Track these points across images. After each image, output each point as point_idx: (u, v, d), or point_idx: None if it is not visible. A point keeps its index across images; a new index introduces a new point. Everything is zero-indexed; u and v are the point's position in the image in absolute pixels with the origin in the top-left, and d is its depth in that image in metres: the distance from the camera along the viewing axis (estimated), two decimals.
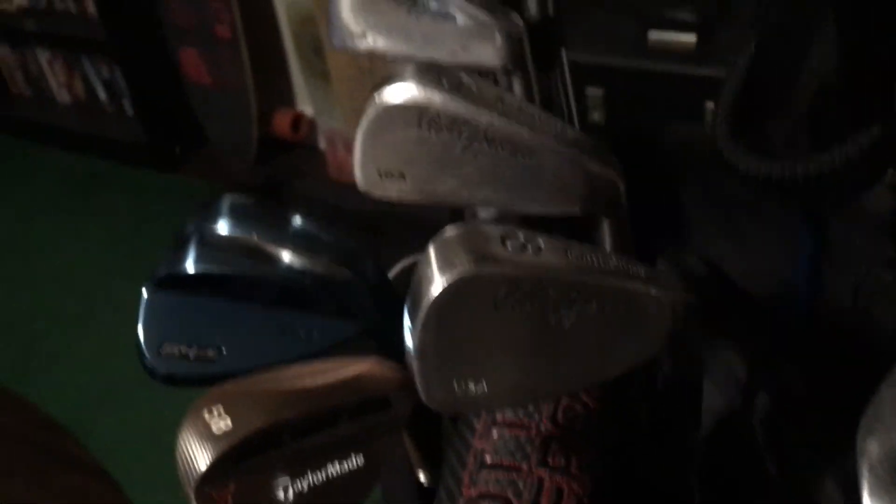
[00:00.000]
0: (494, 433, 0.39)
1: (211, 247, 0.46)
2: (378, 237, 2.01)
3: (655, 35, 1.75)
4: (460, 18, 0.46)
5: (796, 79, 0.37)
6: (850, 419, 0.44)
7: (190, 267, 0.45)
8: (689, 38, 1.76)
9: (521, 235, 0.33)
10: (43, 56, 2.63)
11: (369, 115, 0.37)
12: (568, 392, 0.39)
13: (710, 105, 1.79)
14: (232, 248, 0.46)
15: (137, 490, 1.65)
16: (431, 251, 0.34)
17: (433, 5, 0.47)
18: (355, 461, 0.38)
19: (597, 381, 0.35)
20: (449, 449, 0.41)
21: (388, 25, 0.48)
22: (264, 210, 0.50)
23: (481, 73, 0.51)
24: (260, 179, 2.37)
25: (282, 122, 2.41)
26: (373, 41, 0.49)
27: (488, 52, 0.47)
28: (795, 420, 0.50)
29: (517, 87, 0.48)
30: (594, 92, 1.82)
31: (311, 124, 2.44)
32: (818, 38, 0.36)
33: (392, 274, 1.98)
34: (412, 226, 2.12)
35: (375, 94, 0.37)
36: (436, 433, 0.45)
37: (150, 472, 1.73)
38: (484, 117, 0.35)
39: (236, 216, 0.48)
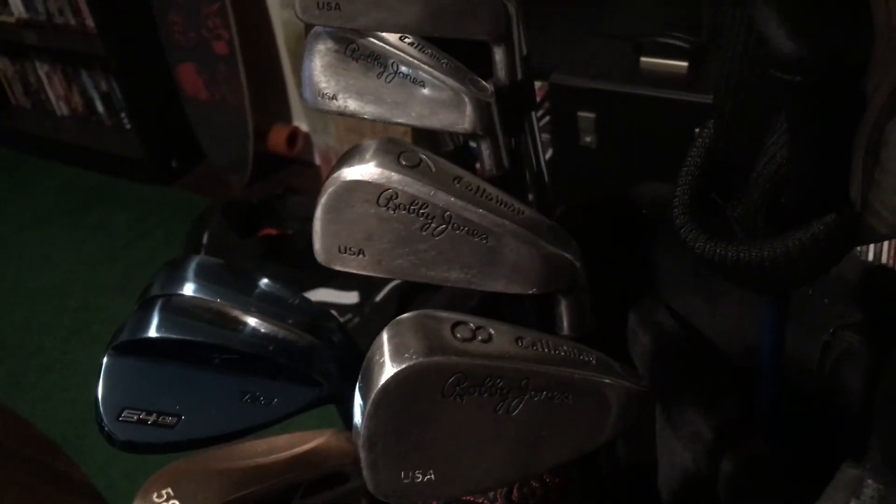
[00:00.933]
0: None
1: (174, 311, 0.46)
2: None
3: (648, 61, 1.76)
4: (429, 85, 0.47)
5: (752, 164, 0.37)
6: (816, 486, 0.44)
7: (152, 332, 0.45)
8: (681, 64, 1.77)
9: (472, 323, 0.34)
10: (42, 69, 2.64)
11: (329, 190, 0.37)
12: (519, 479, 0.39)
13: (697, 132, 1.79)
14: (195, 312, 0.46)
15: None
16: (385, 337, 0.35)
17: (403, 70, 0.47)
18: None
19: (548, 468, 0.35)
20: None
21: (358, 89, 0.48)
22: (230, 273, 0.50)
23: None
24: (256, 194, 2.38)
25: (278, 137, 2.42)
26: (343, 103, 0.49)
27: (457, 119, 0.47)
28: (760, 485, 0.50)
29: (486, 151, 0.48)
30: (586, 115, 1.83)
31: (307, 140, 2.45)
32: (773, 126, 0.36)
33: (382, 295, 1.97)
34: None
35: (336, 171, 0.37)
36: None
37: (138, 490, 1.73)
38: (441, 198, 0.36)
39: (201, 279, 0.48)
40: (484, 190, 0.38)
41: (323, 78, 0.50)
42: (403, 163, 0.37)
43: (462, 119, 0.47)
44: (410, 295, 1.85)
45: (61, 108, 2.72)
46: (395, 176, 0.36)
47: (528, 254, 0.37)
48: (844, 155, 0.34)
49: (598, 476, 0.41)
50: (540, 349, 0.34)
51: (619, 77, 1.74)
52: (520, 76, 0.49)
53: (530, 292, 0.37)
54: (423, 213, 0.37)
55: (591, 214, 0.56)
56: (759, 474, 0.49)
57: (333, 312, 1.83)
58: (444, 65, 0.48)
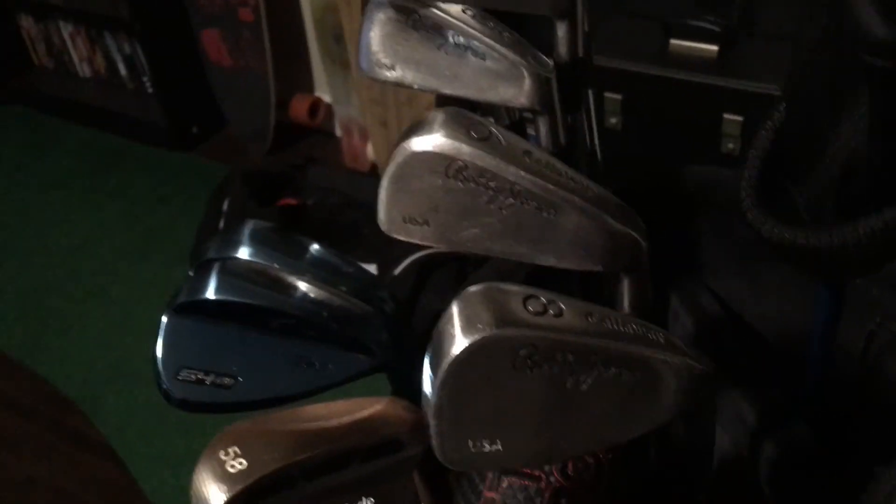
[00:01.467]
0: (504, 483, 0.40)
1: (231, 275, 0.46)
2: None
3: (677, 44, 1.74)
4: (490, 57, 0.47)
5: (824, 149, 0.37)
6: (858, 472, 0.44)
7: (210, 294, 0.45)
8: (711, 48, 1.75)
9: (542, 297, 0.34)
10: (66, 29, 2.64)
11: (396, 160, 0.37)
12: (581, 454, 0.39)
13: (727, 117, 1.77)
14: (252, 276, 0.46)
15: (142, 467, 1.67)
16: (455, 309, 0.35)
17: (464, 42, 0.47)
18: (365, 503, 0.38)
19: (611, 444, 0.35)
20: (458, 494, 0.41)
21: (416, 59, 0.48)
22: (284, 238, 0.50)
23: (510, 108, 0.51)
24: (275, 164, 2.37)
25: (299, 107, 2.42)
26: (401, 73, 0.49)
27: (516, 93, 0.47)
28: (802, 469, 0.50)
29: (543, 127, 0.48)
30: (613, 97, 1.82)
31: (329, 111, 2.44)
32: (848, 112, 0.36)
33: (401, 268, 1.97)
34: None
35: (404, 141, 0.37)
36: (446, 477, 0.45)
37: (155, 450, 1.76)
38: (511, 172, 0.36)
39: (257, 243, 0.48)
40: (553, 165, 0.38)
41: (382, 47, 0.50)
42: (473, 135, 0.37)
43: (522, 94, 0.47)
44: (430, 269, 1.85)
45: (84, 70, 2.72)
46: (465, 147, 0.37)
47: (594, 230, 0.37)
48: None
49: (648, 456, 0.42)
50: (610, 325, 0.34)
51: (647, 58, 1.72)
52: (580, 53, 0.49)
53: (596, 269, 0.38)
54: (491, 186, 0.37)
55: (639, 194, 0.56)
56: (800, 459, 0.49)
57: None
58: (505, 38, 0.48)
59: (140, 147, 2.57)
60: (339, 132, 2.41)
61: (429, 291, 1.87)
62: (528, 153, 0.37)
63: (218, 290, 0.45)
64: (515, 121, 0.55)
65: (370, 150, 2.28)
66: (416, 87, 0.50)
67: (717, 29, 1.69)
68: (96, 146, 2.61)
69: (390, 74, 0.50)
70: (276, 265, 0.47)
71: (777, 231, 0.37)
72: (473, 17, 0.48)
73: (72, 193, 2.43)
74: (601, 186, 0.38)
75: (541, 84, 0.47)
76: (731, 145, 1.65)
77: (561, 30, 0.48)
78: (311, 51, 2.39)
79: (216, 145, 2.55)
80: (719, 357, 0.57)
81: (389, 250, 1.94)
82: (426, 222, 0.38)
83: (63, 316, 2.02)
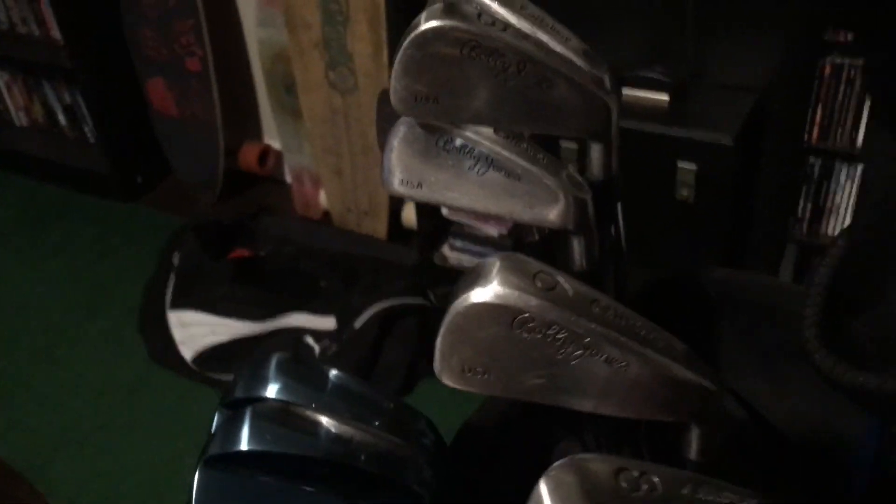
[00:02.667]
0: None
1: (264, 420, 0.44)
2: (351, 281, 1.99)
3: (629, 93, 1.78)
4: (525, 179, 0.46)
5: (885, 287, 0.37)
6: None
7: (244, 445, 0.43)
8: (662, 98, 1.80)
9: (634, 471, 0.32)
10: (1, 78, 2.55)
11: (457, 310, 0.36)
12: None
13: (681, 165, 1.80)
14: (285, 420, 0.44)
15: None
16: (543, 490, 0.32)
17: (497, 164, 0.46)
18: None
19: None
20: None
21: (447, 179, 0.47)
22: (308, 369, 0.48)
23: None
24: (226, 213, 2.33)
25: (249, 155, 2.39)
26: (428, 192, 0.48)
27: (553, 214, 0.46)
28: None
29: (577, 246, 0.48)
30: (568, 146, 1.84)
31: (278, 158, 2.42)
32: None
33: (362, 321, 1.94)
34: (383, 269, 2.09)
35: (464, 291, 0.36)
36: None
37: None
38: (582, 325, 0.35)
39: (283, 378, 0.46)
40: (622, 313, 0.37)
41: (408, 165, 0.49)
42: (539, 285, 0.37)
43: (558, 215, 0.47)
44: (392, 320, 1.83)
45: (21, 119, 2.63)
46: (533, 300, 0.36)
47: (665, 381, 0.36)
48: None
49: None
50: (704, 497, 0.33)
51: None
52: (614, 170, 0.49)
53: (663, 419, 0.37)
54: (559, 339, 0.36)
55: (662, 293, 0.56)
56: None
57: (310, 338, 1.80)
58: (540, 159, 0.47)
59: (83, 198, 2.50)
60: (289, 179, 2.39)
61: (392, 343, 1.86)
62: (595, 302, 0.36)
63: (252, 440, 0.43)
64: (545, 236, 0.54)
65: (323, 198, 2.26)
66: (445, 206, 0.49)
67: (668, 80, 1.73)
68: (37, 198, 2.53)
69: (417, 193, 0.49)
70: (306, 404, 0.45)
71: (849, 376, 0.37)
72: (506, 136, 0.47)
73: (11, 248, 2.34)
74: (663, 331, 0.38)
75: (579, 206, 0.47)
76: (685, 192, 1.69)
77: (595, 151, 0.48)
78: (260, 98, 2.36)
79: (163, 194, 2.50)
80: (746, 459, 0.58)
81: (348, 302, 1.92)
82: (487, 372, 0.37)
83: (7, 379, 1.93)
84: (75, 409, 1.85)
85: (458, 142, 0.47)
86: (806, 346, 0.39)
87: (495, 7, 0.48)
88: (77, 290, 2.18)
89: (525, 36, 0.45)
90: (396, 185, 0.50)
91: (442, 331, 0.38)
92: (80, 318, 2.09)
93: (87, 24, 2.25)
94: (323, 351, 1.87)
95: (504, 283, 0.36)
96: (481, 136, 0.47)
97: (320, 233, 2.21)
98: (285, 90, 2.16)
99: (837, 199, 1.54)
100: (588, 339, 0.36)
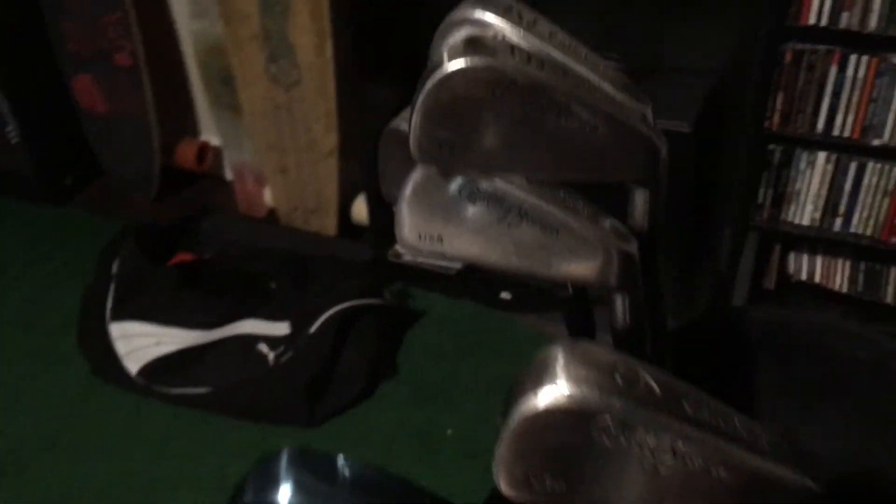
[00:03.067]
0: None
1: None
2: (303, 282, 1.91)
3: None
4: (565, 232, 0.41)
5: None
6: None
7: None
8: None
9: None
10: None
11: (521, 415, 0.31)
12: None
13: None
14: None
15: None
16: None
17: (532, 215, 0.41)
18: None
19: None
20: None
21: (472, 233, 0.42)
22: (318, 461, 0.42)
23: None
24: (164, 213, 2.22)
25: (186, 152, 2.28)
26: (450, 247, 0.42)
27: (596, 271, 0.41)
28: None
29: (621, 303, 0.43)
30: None
31: (218, 155, 2.31)
32: None
33: (317, 325, 1.87)
34: (336, 268, 2.02)
35: (524, 392, 0.31)
36: None
37: None
38: (675, 428, 0.30)
39: (294, 477, 0.40)
40: (714, 407, 0.32)
41: (427, 218, 0.43)
42: (619, 381, 0.31)
43: (602, 272, 0.42)
44: (348, 322, 1.77)
45: None
46: (616, 402, 0.31)
47: (760, 484, 0.32)
48: None
49: None
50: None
51: None
52: (660, 218, 0.44)
53: None
54: (648, 445, 0.31)
55: (700, 336, 0.52)
56: None
57: (263, 346, 1.73)
58: (580, 209, 0.42)
59: (7, 202, 2.35)
60: (230, 177, 2.29)
61: (350, 346, 1.79)
62: (686, 396, 0.31)
63: None
64: (579, 291, 0.49)
65: (268, 196, 2.17)
66: (472, 261, 0.43)
67: (622, 67, 1.70)
68: None
69: (437, 247, 0.43)
70: None
71: None
72: (540, 183, 0.42)
73: None
74: (751, 420, 0.33)
75: (623, 261, 0.41)
76: None
77: (640, 197, 0.43)
78: (196, 93, 2.25)
79: (95, 196, 2.37)
80: None
81: (302, 306, 1.84)
82: (560, 483, 0.32)
83: None
84: (15, 432, 1.74)
85: (486, 191, 0.41)
86: None
87: (522, 37, 0.42)
88: (6, 302, 2.04)
89: (565, 72, 0.40)
90: (413, 240, 0.44)
91: (503, 437, 0.32)
92: (12, 334, 1.96)
93: (3, 18, 2.10)
94: (277, 359, 1.80)
95: (578, 380, 0.31)
96: (512, 185, 0.41)
97: (267, 232, 2.12)
98: (222, 84, 2.06)
99: (798, 185, 1.53)
100: (678, 443, 0.31)
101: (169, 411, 1.78)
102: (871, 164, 1.46)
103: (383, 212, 1.95)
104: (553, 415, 0.31)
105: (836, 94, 1.39)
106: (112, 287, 1.94)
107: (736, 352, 0.52)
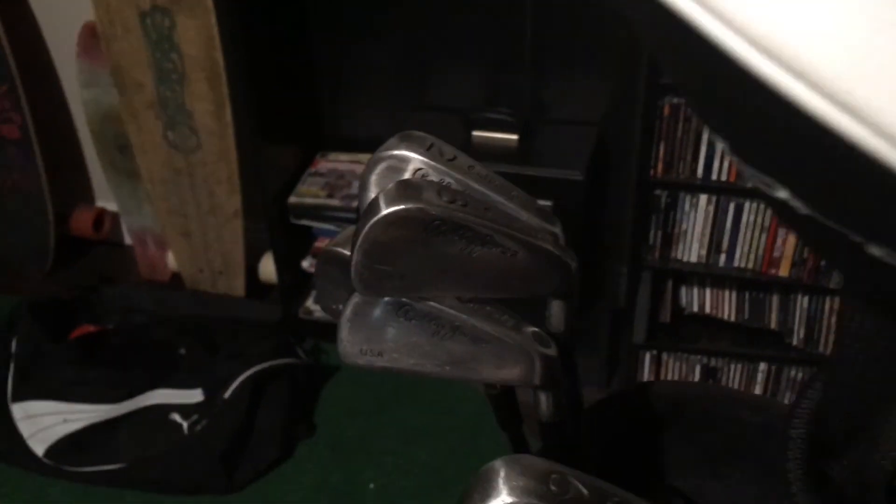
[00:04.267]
0: None
1: None
2: (213, 347, 1.90)
3: (479, 135, 1.81)
4: (493, 342, 0.46)
5: (870, 440, 0.40)
6: None
7: None
8: (511, 137, 1.84)
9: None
10: None
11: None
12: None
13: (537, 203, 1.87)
14: None
15: None
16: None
17: (463, 329, 0.46)
18: None
19: None
20: None
21: (410, 347, 0.46)
22: None
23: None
24: (62, 284, 2.16)
25: (83, 220, 2.23)
26: (389, 360, 0.47)
27: (523, 375, 0.46)
28: None
29: (545, 401, 0.48)
30: None
31: (115, 221, 2.28)
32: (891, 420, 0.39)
33: (231, 390, 1.86)
34: (246, 329, 2.01)
35: (474, 501, 0.35)
36: None
37: None
38: None
39: None
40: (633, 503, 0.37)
41: (368, 337, 0.47)
42: (554, 489, 0.36)
43: (527, 374, 0.47)
44: (262, 385, 1.77)
45: None
46: None
47: None
48: None
49: None
50: None
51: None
52: (573, 327, 0.49)
53: None
54: None
55: (615, 411, 0.58)
56: None
57: (177, 415, 1.71)
58: (505, 321, 0.47)
59: None
60: (129, 241, 2.25)
61: (265, 408, 1.79)
62: (611, 497, 0.36)
63: None
64: (507, 388, 0.54)
65: (171, 260, 2.15)
66: (409, 371, 0.48)
67: (513, 120, 1.78)
68: None
69: (378, 361, 0.47)
70: None
71: None
72: (468, 301, 0.47)
73: None
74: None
75: (549, 364, 0.47)
76: None
77: (556, 307, 0.48)
78: (89, 161, 2.22)
79: None
80: None
81: (213, 371, 1.83)
82: None
83: None
84: None
85: (420, 311, 0.46)
86: (793, 496, 0.41)
87: (444, 172, 0.47)
88: None
89: (487, 207, 0.45)
90: (355, 354, 0.48)
91: None
92: None
93: None
94: (192, 427, 1.78)
95: (517, 492, 0.36)
96: (444, 304, 0.46)
97: (172, 297, 2.10)
98: (118, 151, 2.04)
99: (684, 226, 1.64)
100: None
101: (79, 490, 1.74)
102: (747, 204, 1.58)
103: (291, 270, 1.97)
104: None
105: (712, 143, 1.51)
106: (12, 367, 1.89)
107: (646, 424, 0.58)
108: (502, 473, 0.37)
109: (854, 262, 0.23)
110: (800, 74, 0.17)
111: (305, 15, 1.85)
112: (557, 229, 0.48)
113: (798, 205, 0.21)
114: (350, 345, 0.47)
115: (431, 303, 0.46)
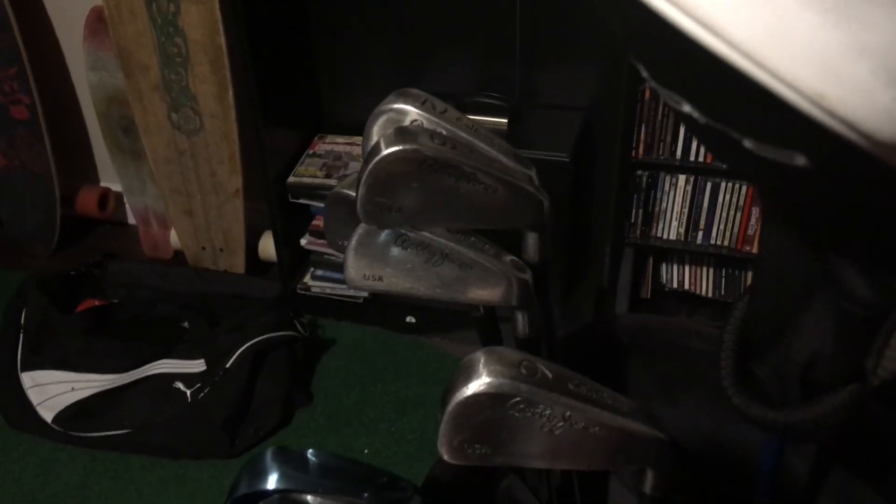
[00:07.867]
0: None
1: None
2: (215, 320, 1.99)
3: (472, 119, 1.89)
4: (476, 267, 0.54)
5: (786, 344, 0.48)
6: None
7: None
8: (502, 121, 1.93)
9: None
10: None
11: (457, 400, 0.44)
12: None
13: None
14: None
15: None
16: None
17: (452, 257, 0.54)
18: None
19: None
20: None
21: (406, 272, 0.55)
22: (303, 459, 0.53)
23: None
24: (67, 262, 2.24)
25: (88, 200, 2.31)
26: (389, 283, 0.55)
27: (503, 295, 0.55)
28: None
29: (521, 319, 0.57)
30: None
31: (119, 201, 2.35)
32: (814, 319, 0.47)
33: (232, 360, 1.94)
34: (247, 304, 2.09)
35: (458, 384, 0.44)
36: None
37: None
38: (562, 402, 0.44)
39: (283, 470, 0.51)
40: (592, 387, 0.46)
41: (370, 263, 0.56)
42: (524, 372, 0.45)
43: (506, 295, 0.56)
44: (262, 355, 1.85)
45: None
46: (523, 387, 0.44)
47: (624, 439, 0.46)
48: (871, 349, 0.45)
49: None
50: None
51: None
52: (549, 255, 0.58)
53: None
54: (546, 415, 0.45)
55: (584, 342, 0.67)
56: None
57: (180, 384, 1.79)
58: (487, 249, 0.56)
59: None
60: (133, 220, 2.33)
61: (265, 378, 1.87)
62: (570, 379, 0.45)
63: None
64: (488, 311, 0.63)
65: (174, 238, 2.23)
66: (406, 294, 0.56)
67: (505, 105, 1.86)
68: None
69: (379, 285, 0.56)
70: (303, 491, 0.50)
71: (761, 413, 0.48)
72: (456, 232, 0.55)
73: None
74: (621, 397, 0.48)
75: (521, 286, 0.55)
76: None
77: (531, 239, 0.57)
78: (95, 142, 2.29)
79: None
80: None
81: (214, 342, 1.91)
82: (484, 448, 0.45)
83: None
84: None
85: (415, 240, 0.55)
86: (725, 391, 0.50)
87: (436, 122, 0.56)
88: None
89: (471, 150, 0.54)
90: (359, 279, 0.56)
91: (444, 419, 0.45)
92: None
93: None
94: (195, 395, 1.86)
95: (495, 374, 0.44)
96: (435, 234, 0.55)
97: (175, 274, 2.18)
98: (123, 132, 2.11)
99: (664, 205, 1.73)
100: (569, 413, 0.45)
101: (87, 455, 1.82)
102: (723, 184, 1.67)
103: (290, 248, 2.05)
104: (479, 398, 0.44)
105: None
106: (21, 338, 1.96)
107: (611, 353, 0.67)
108: (482, 360, 0.45)
109: (739, 157, 0.32)
110: None
111: (306, 2, 1.93)
112: (532, 172, 0.57)
113: (697, 115, 0.30)
114: (355, 270, 0.56)
115: (425, 233, 0.55)
